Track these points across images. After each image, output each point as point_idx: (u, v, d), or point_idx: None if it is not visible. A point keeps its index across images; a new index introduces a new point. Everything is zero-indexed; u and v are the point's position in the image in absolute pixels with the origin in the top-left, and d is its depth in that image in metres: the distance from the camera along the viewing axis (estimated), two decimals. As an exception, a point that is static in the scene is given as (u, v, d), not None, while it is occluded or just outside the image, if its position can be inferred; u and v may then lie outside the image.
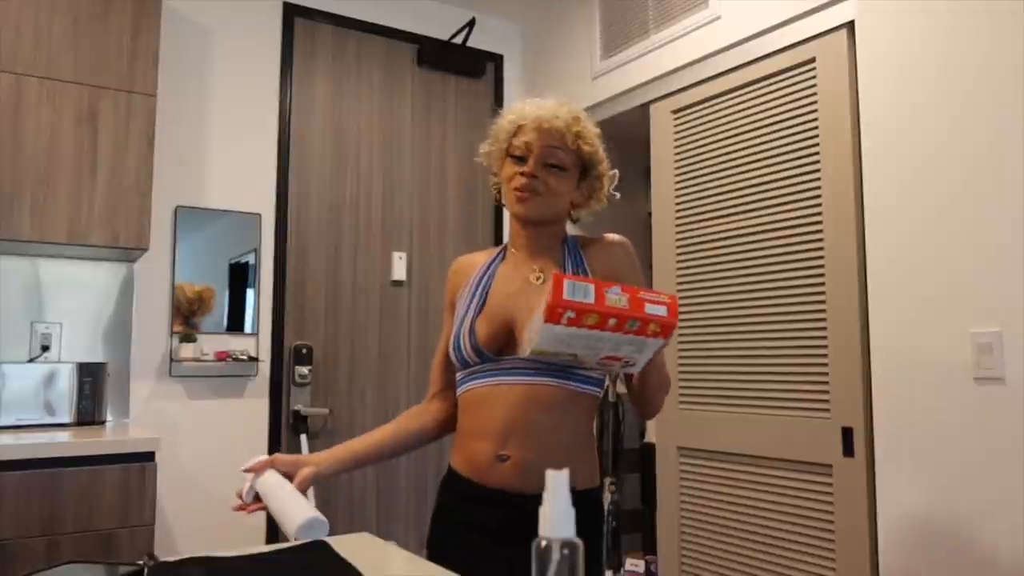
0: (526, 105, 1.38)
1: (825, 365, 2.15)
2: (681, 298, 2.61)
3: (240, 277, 2.89)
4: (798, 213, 2.26)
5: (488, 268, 1.42)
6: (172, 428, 2.70)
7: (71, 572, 1.01)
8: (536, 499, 1.23)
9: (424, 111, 3.38)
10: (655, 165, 2.79)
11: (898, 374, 1.95)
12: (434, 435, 1.49)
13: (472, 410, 1.34)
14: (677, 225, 2.67)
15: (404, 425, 1.48)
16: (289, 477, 1.31)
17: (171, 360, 2.72)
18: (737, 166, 2.47)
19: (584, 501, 1.27)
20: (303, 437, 2.88)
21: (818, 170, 2.21)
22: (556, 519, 0.70)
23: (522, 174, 1.33)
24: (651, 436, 3.04)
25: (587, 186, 1.39)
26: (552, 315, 1.02)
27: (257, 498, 1.32)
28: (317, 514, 1.14)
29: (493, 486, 1.28)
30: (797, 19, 2.28)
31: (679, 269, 2.64)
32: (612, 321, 1.03)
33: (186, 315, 2.77)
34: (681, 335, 2.59)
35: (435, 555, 1.37)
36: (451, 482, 1.39)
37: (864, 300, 2.07)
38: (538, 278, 1.34)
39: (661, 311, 1.03)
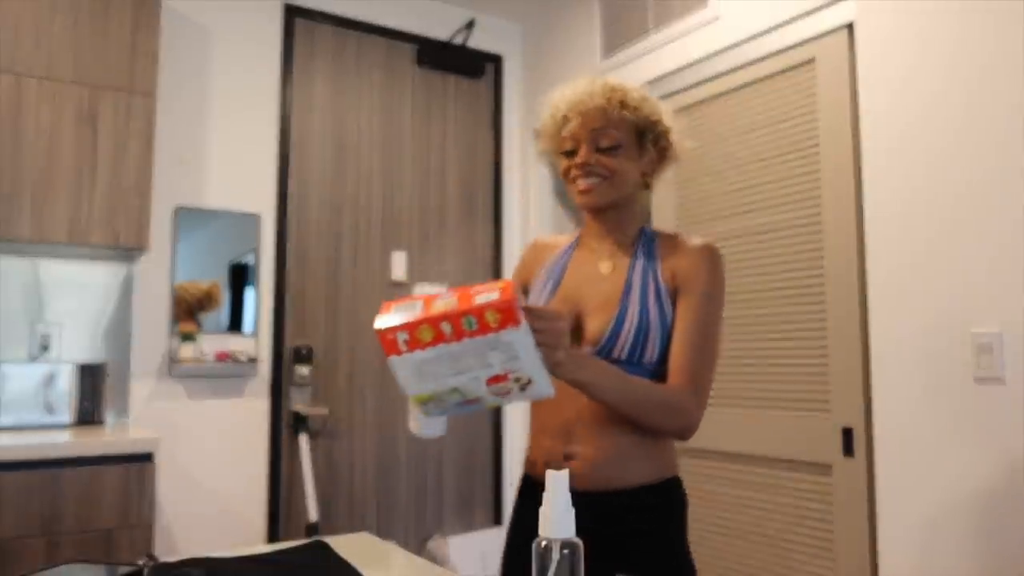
0: (562, 93, 1.30)
1: (825, 365, 2.15)
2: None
3: (240, 277, 2.89)
4: (798, 213, 2.26)
5: (564, 256, 1.37)
6: (172, 428, 2.70)
7: (71, 572, 1.01)
8: (602, 498, 1.18)
9: (424, 111, 3.38)
10: (655, 165, 2.79)
11: (898, 374, 1.95)
12: None
13: (539, 405, 1.29)
14: (677, 226, 2.67)
15: None
16: None
17: (171, 360, 2.72)
18: (737, 167, 2.47)
19: (656, 493, 1.24)
20: (303, 437, 2.88)
21: (818, 170, 2.21)
22: (556, 519, 0.70)
23: (577, 166, 1.26)
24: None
25: (654, 148, 1.30)
26: (387, 345, 0.93)
27: None
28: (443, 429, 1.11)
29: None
30: (796, 20, 2.28)
31: (679, 269, 2.64)
32: (447, 327, 0.91)
33: (194, 312, 2.77)
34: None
35: (507, 562, 1.34)
36: (523, 485, 1.35)
37: (864, 300, 2.07)
38: (607, 267, 1.30)
39: (492, 296, 0.91)
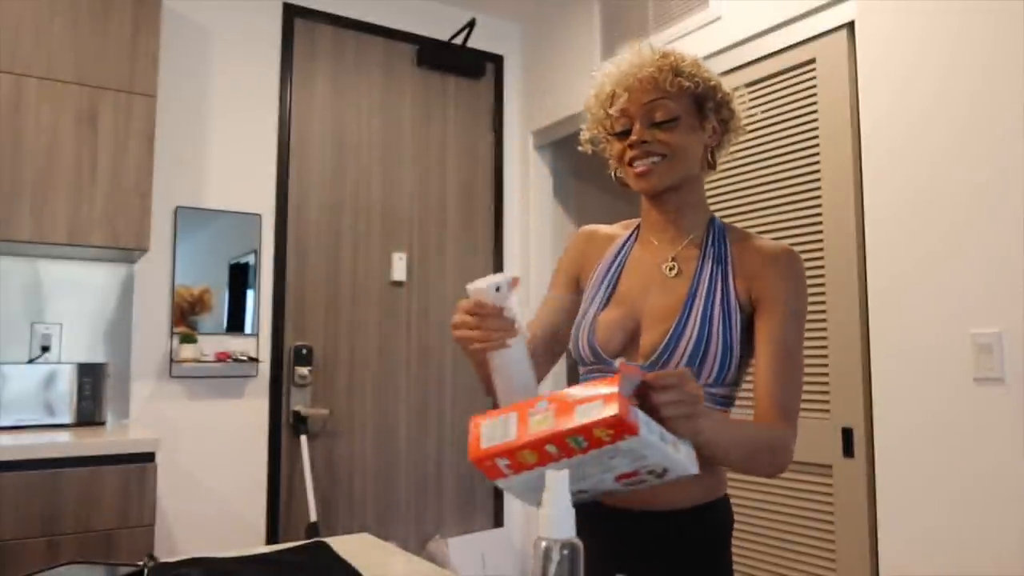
0: (608, 68, 1.16)
1: (825, 365, 2.14)
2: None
3: (240, 277, 2.89)
4: (798, 214, 2.26)
5: (621, 251, 1.23)
6: (172, 428, 2.70)
7: (71, 572, 1.01)
8: (636, 518, 1.10)
9: (424, 111, 3.38)
10: (655, 165, 2.79)
11: (898, 374, 1.95)
12: None
13: None
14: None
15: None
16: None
17: (171, 361, 2.72)
18: (737, 167, 2.47)
19: (698, 516, 1.11)
20: (303, 438, 2.88)
21: (818, 171, 2.21)
22: (556, 519, 0.70)
23: (631, 146, 1.12)
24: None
25: (715, 119, 1.15)
26: (489, 472, 0.83)
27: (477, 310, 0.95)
28: None
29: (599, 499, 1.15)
30: (797, 20, 2.28)
31: (679, 269, 2.64)
32: (552, 448, 0.79)
33: (187, 315, 2.77)
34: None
35: None
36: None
37: (864, 300, 2.07)
38: (671, 268, 1.15)
39: (596, 410, 0.77)
